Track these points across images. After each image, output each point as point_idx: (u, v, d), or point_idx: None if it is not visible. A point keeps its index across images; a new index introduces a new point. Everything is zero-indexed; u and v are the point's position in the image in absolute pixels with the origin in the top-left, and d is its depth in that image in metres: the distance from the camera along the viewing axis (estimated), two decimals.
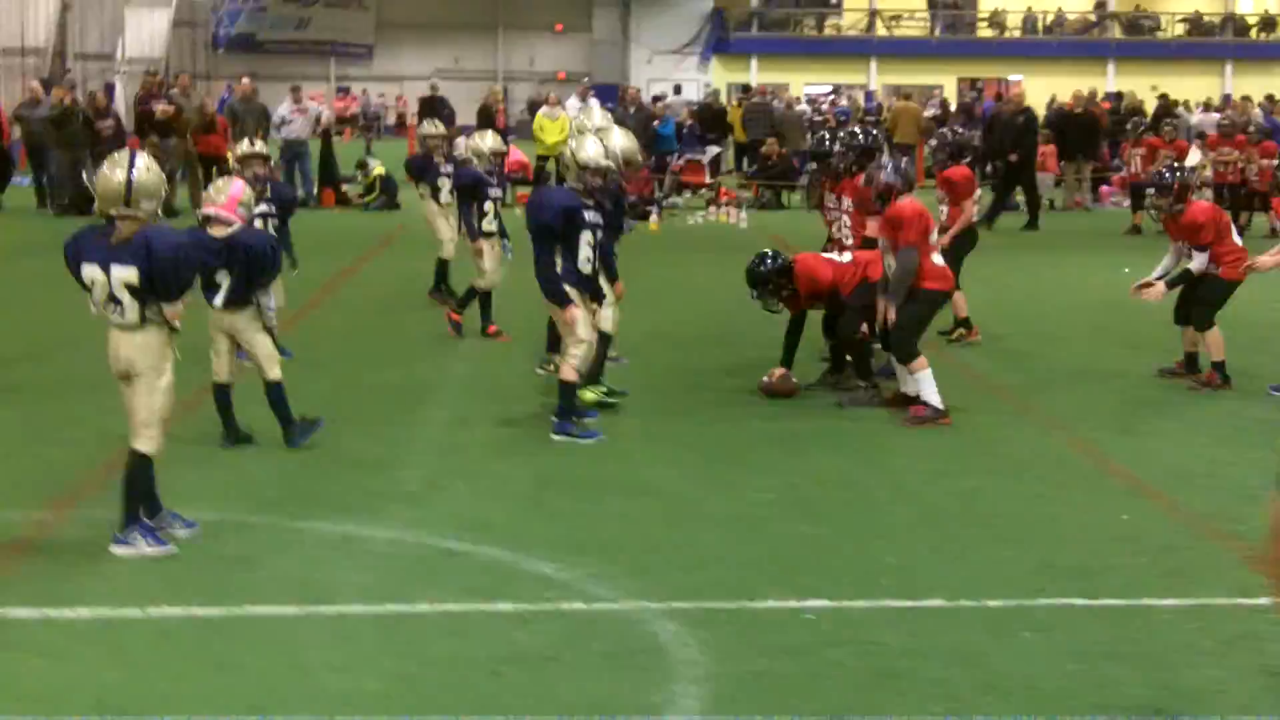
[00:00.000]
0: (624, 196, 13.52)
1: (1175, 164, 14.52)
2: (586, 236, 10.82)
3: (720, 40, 66.08)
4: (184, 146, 28.28)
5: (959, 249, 14.16)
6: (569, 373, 10.72)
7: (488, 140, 15.33)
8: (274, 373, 10.32)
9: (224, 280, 10.01)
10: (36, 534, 8.60)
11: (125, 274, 7.96)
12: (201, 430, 10.36)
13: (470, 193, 14.91)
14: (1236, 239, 12.88)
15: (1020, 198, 28.14)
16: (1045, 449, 10.92)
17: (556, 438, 10.71)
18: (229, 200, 10.22)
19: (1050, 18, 66.25)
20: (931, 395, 11.45)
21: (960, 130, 15.67)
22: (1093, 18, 67.02)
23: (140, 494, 8.19)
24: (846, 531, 8.82)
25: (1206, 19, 66.76)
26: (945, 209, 14.51)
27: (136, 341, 8.06)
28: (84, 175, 27.82)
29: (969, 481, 9.93)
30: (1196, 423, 11.77)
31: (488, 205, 14.84)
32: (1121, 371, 13.62)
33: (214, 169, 26.27)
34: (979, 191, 14.82)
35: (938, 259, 11.80)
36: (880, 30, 66.54)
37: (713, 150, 32.88)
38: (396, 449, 10.65)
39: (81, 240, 8.18)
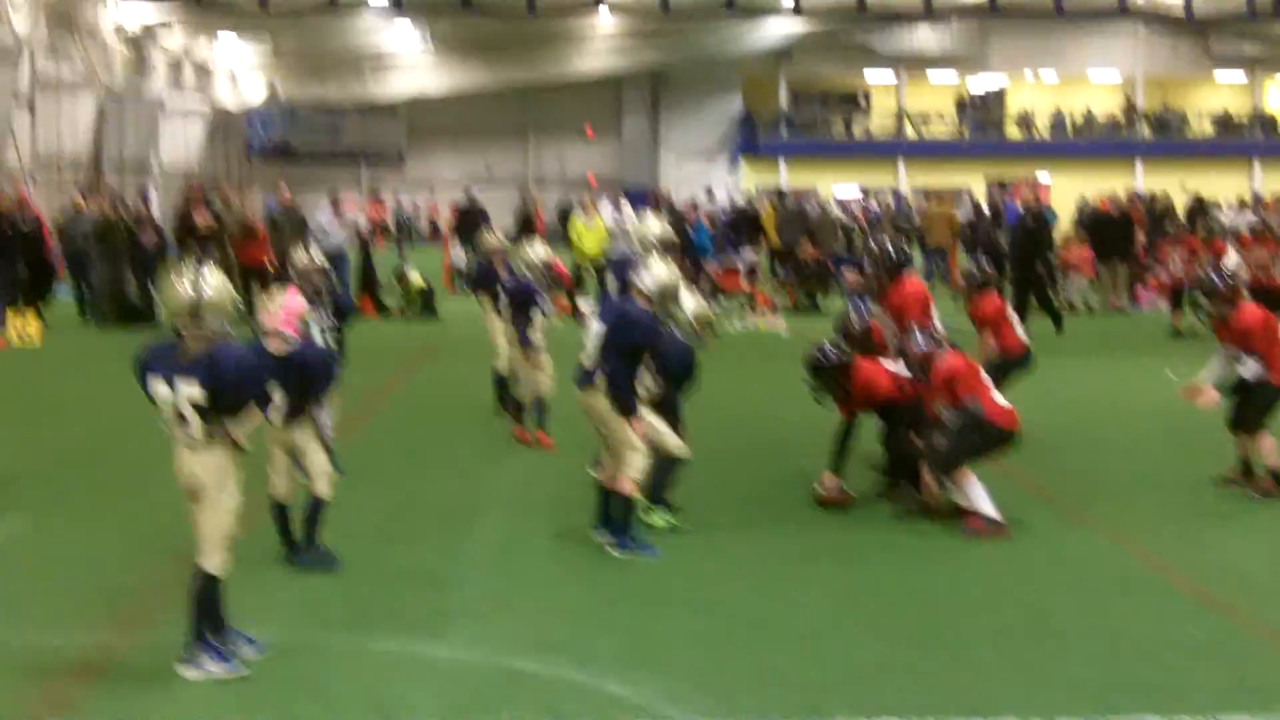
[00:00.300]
0: None
1: (1222, 268, 14.51)
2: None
3: (749, 143, 66.52)
4: (226, 257, 28.45)
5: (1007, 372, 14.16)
6: (629, 486, 10.69)
7: (538, 250, 15.40)
8: (323, 489, 10.31)
9: (279, 396, 9.99)
10: (103, 656, 8.58)
11: (191, 391, 7.98)
12: (262, 548, 10.33)
13: (524, 303, 14.97)
14: None
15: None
16: (1107, 559, 10.84)
17: (616, 553, 10.67)
18: (286, 315, 10.23)
19: (1079, 118, 66.62)
20: (987, 507, 11.39)
21: (981, 264, 15.55)
22: (1121, 118, 67.32)
23: (207, 614, 8.18)
24: (912, 646, 8.76)
25: (1234, 117, 67.04)
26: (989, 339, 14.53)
27: (202, 460, 8.06)
28: (125, 287, 28.07)
29: (1033, 595, 9.86)
30: (1258, 530, 11.71)
31: (537, 316, 14.90)
32: (1177, 478, 13.55)
33: (255, 279, 26.43)
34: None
35: (1000, 399, 11.84)
36: (909, 132, 66.94)
37: (749, 256, 32.96)
38: (455, 563, 10.62)
39: (151, 354, 8.18)
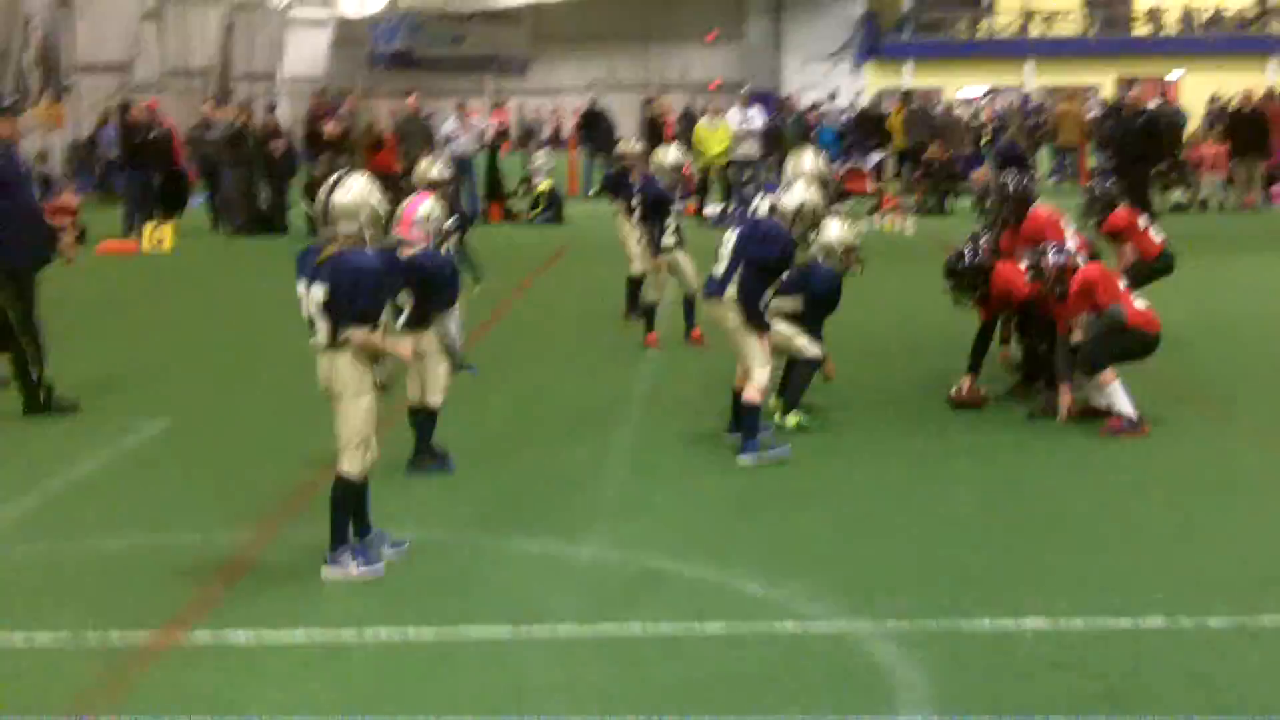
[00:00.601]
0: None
1: None
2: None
3: (873, 45, 65.73)
4: (355, 165, 28.61)
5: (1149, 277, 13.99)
6: (755, 395, 10.64)
7: (670, 155, 15.37)
8: (435, 400, 10.31)
9: (405, 302, 10.03)
10: (248, 556, 8.70)
11: (317, 292, 8.04)
12: (401, 451, 10.39)
13: (657, 209, 14.95)
14: None
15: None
16: (1249, 459, 10.70)
17: (744, 459, 10.58)
18: (404, 220, 10.25)
19: (1209, 14, 65.16)
20: (1126, 406, 11.26)
21: (1099, 186, 15.20)
22: (1252, 12, 65.77)
23: (348, 515, 8.25)
24: (1052, 546, 8.69)
25: None
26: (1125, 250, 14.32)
27: (335, 362, 8.11)
28: (256, 195, 28.33)
29: (1173, 494, 9.75)
30: None
31: (669, 220, 14.87)
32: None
33: (385, 186, 26.53)
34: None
35: (1140, 303, 11.68)
36: (1034, 31, 65.82)
37: (875, 157, 32.68)
38: (591, 465, 10.66)
39: (300, 256, 8.26)
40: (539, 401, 12.87)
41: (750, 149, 29.91)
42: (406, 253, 10.05)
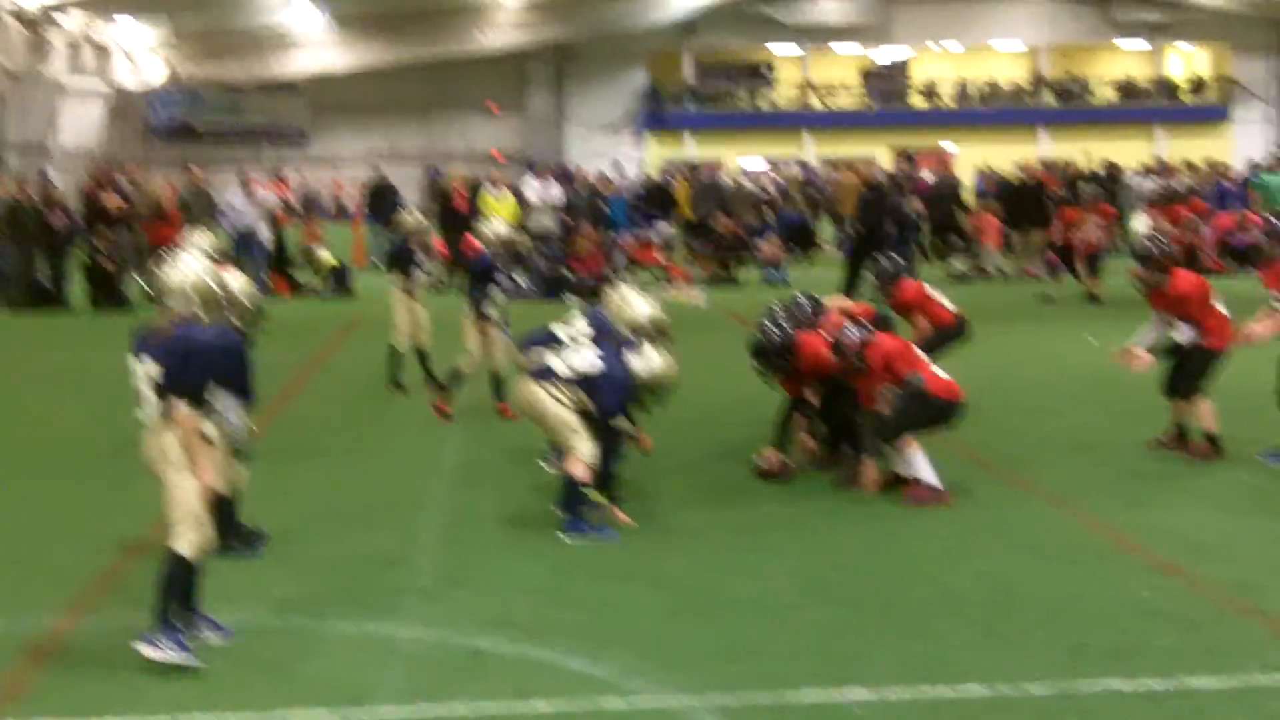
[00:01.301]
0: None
1: (1157, 235, 14.60)
2: None
3: (654, 116, 66.43)
4: (136, 238, 28.11)
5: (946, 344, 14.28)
6: (578, 467, 10.59)
7: (498, 227, 15.89)
8: (219, 485, 9.40)
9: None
10: (57, 641, 8.41)
11: (148, 368, 7.95)
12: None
13: (484, 278, 15.27)
14: (1221, 308, 12.92)
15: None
16: (1054, 525, 10.89)
17: (568, 538, 10.45)
18: None
19: (983, 86, 67.03)
20: (928, 474, 11.43)
21: (889, 258, 15.52)
22: (1025, 85, 67.80)
23: (174, 595, 7.99)
24: (871, 616, 8.74)
25: (1137, 84, 67.67)
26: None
27: (162, 439, 7.96)
28: (35, 270, 27.63)
29: (984, 562, 9.87)
30: (1200, 494, 11.79)
31: (494, 290, 15.14)
32: (1113, 442, 13.66)
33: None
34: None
35: (940, 372, 11.90)
36: (814, 103, 67.09)
37: (664, 228, 32.92)
38: (407, 543, 10.51)
39: (138, 330, 8.26)
40: (345, 480, 12.67)
41: (548, 222, 30.05)
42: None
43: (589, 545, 10.31)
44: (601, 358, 10.73)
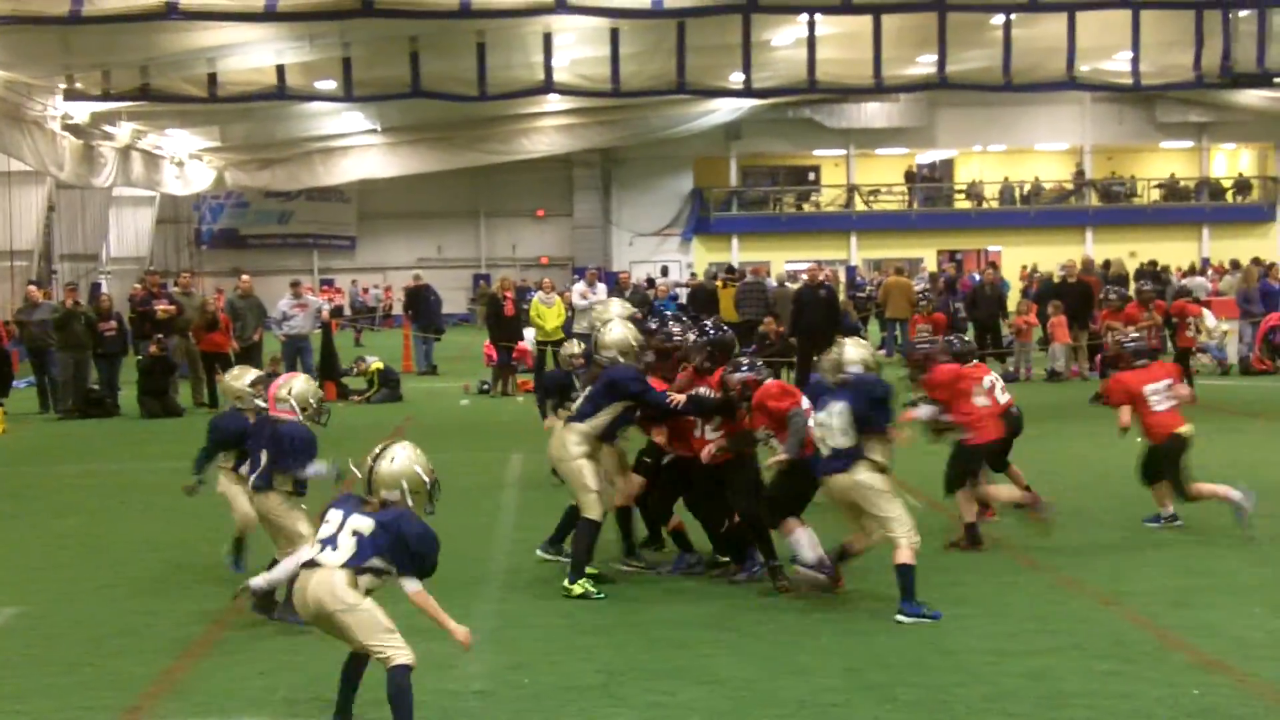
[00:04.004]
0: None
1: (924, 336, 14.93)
2: None
3: (701, 220, 66.81)
4: (185, 344, 28.45)
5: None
6: (908, 555, 11.02)
7: (571, 347, 15.89)
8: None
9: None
10: None
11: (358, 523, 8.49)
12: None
13: (562, 392, 15.19)
14: (982, 400, 13.81)
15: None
16: (1102, 624, 10.86)
17: (905, 619, 10.87)
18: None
19: (1027, 187, 67.22)
20: (808, 554, 11.60)
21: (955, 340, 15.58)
22: (1069, 186, 67.96)
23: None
24: (921, 716, 8.75)
25: (1182, 183, 67.80)
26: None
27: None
28: (87, 377, 27.94)
29: (1033, 661, 9.85)
30: (1246, 592, 11.76)
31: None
32: (1160, 542, 13.71)
33: (217, 366, 26.33)
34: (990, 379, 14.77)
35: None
36: (859, 205, 67.37)
37: None
38: (454, 646, 10.53)
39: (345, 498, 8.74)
40: None
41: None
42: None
43: (636, 647, 10.34)
44: None
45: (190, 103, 38.19)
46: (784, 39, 38.16)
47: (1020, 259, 59.02)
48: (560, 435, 12.37)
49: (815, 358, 26.40)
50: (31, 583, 12.99)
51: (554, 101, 48.29)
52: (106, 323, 28.30)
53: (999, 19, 35.58)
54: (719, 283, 37.35)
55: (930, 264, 61.46)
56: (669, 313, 32.83)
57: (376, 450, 8.56)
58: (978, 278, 36.17)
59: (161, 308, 28.43)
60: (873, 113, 63.63)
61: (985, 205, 67.49)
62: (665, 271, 55.66)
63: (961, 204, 68.72)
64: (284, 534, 10.88)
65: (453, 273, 67.02)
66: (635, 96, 42.97)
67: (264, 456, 10.91)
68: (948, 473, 13.71)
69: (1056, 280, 34.47)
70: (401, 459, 8.57)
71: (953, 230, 65.79)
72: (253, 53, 35.56)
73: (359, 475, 8.58)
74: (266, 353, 28.84)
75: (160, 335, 27.72)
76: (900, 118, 64.03)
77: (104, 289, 39.71)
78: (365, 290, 65.17)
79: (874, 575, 12.02)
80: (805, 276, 30.81)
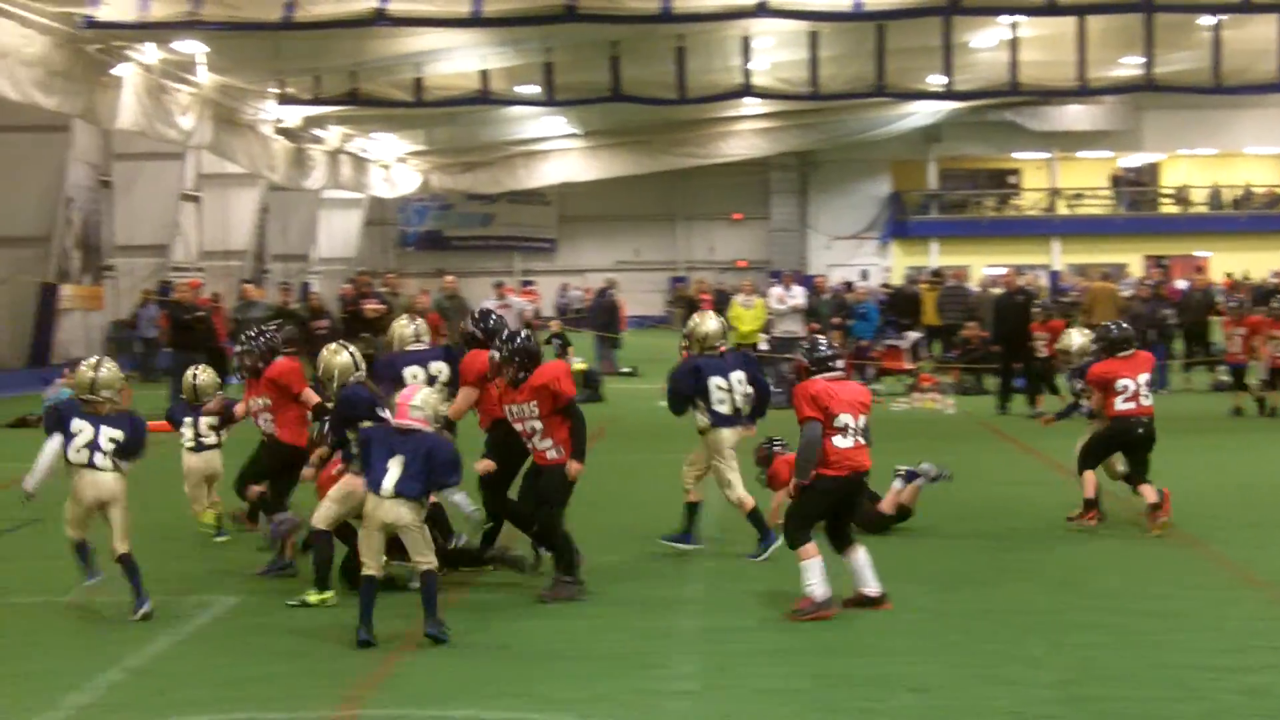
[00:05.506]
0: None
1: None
2: None
3: (899, 224, 66.37)
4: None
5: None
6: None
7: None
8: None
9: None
10: None
11: None
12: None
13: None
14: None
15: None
16: None
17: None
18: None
19: (1238, 192, 65.69)
20: (815, 587, 11.22)
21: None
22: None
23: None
24: None
25: None
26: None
27: None
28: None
29: (1255, 677, 9.62)
30: None
31: None
32: None
33: None
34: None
35: (841, 441, 11.28)
36: (1061, 209, 66.39)
37: (913, 336, 32.91)
38: (661, 643, 10.62)
39: None
40: (597, 588, 12.68)
41: (793, 326, 30.28)
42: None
43: (848, 653, 10.31)
44: None
45: (397, 107, 38.84)
46: (985, 41, 37.76)
47: (1227, 265, 57.72)
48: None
49: (1014, 364, 26.59)
50: (250, 575, 13.27)
51: (751, 105, 48.22)
52: (319, 321, 28.83)
53: (1206, 20, 34.83)
54: (923, 285, 37.13)
55: (1135, 269, 60.38)
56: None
57: None
58: (1185, 284, 35.40)
59: (370, 307, 28.88)
60: (1075, 115, 62.57)
61: (1193, 210, 66.10)
62: (865, 275, 55.40)
63: (1168, 208, 67.41)
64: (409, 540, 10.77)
65: (650, 275, 67.40)
66: (834, 99, 42.83)
67: (397, 464, 10.66)
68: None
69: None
70: None
71: (1159, 235, 64.49)
72: (457, 58, 36.06)
73: None
74: None
75: (369, 334, 28.17)
76: (1104, 120, 62.93)
77: (313, 288, 40.46)
78: (566, 288, 65.40)
79: (1078, 589, 11.88)
80: (1004, 283, 30.50)
